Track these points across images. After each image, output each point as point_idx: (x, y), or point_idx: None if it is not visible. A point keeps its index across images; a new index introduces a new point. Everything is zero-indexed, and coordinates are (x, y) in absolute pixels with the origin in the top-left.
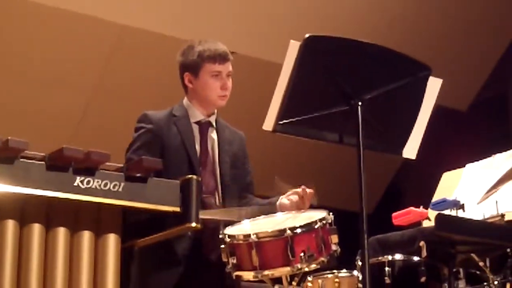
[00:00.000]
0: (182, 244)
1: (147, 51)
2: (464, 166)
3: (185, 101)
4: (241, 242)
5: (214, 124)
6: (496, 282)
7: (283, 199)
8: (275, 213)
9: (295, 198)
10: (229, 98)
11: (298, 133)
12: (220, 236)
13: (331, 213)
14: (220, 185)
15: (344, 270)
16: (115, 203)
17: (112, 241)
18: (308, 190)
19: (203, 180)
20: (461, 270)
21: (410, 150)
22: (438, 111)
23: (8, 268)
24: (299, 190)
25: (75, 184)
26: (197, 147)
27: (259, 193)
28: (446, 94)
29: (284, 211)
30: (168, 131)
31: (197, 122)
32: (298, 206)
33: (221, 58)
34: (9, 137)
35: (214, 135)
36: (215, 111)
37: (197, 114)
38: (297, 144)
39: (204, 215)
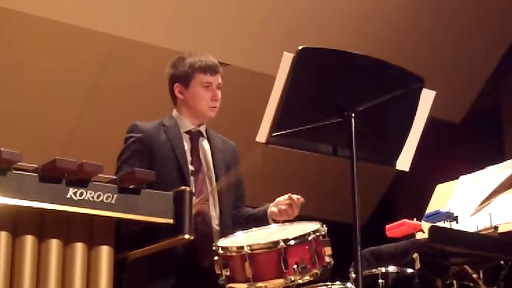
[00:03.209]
0: (175, 252)
1: (139, 63)
2: (458, 178)
3: (175, 112)
4: (234, 254)
5: (204, 134)
6: None
7: (272, 208)
8: (266, 221)
9: (283, 206)
10: (222, 109)
11: (291, 145)
12: (213, 248)
13: (324, 225)
14: (216, 192)
15: (338, 282)
16: (108, 215)
17: (105, 253)
18: (295, 197)
19: (195, 187)
20: (454, 282)
21: (404, 162)
22: (431, 123)
23: (1, 280)
24: (285, 197)
25: (68, 195)
26: (188, 155)
27: (251, 204)
28: (440, 106)
29: (274, 219)
30: (157, 139)
31: (188, 132)
32: (287, 214)
33: (212, 69)
34: (2, 149)
35: (206, 144)
36: (204, 122)
37: (187, 124)
38: (290, 156)
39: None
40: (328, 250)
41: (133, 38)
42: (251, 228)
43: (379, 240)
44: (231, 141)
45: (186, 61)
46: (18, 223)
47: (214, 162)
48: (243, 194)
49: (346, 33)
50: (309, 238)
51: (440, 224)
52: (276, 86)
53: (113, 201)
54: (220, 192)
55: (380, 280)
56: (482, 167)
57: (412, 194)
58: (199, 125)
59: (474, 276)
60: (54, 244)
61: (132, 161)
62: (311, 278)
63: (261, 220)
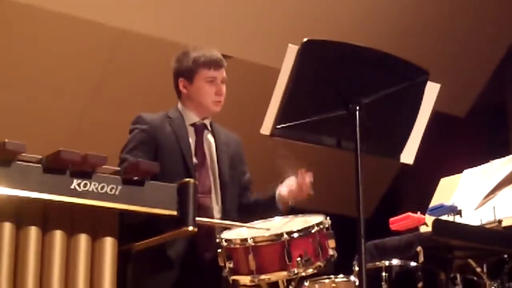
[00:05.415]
0: (177, 245)
1: (145, 56)
2: (462, 172)
3: (179, 105)
4: (238, 246)
5: (209, 127)
6: None
7: (282, 188)
8: (274, 206)
9: (293, 186)
10: (226, 102)
11: (295, 138)
12: (217, 240)
13: (328, 218)
14: (219, 185)
15: (341, 275)
16: (112, 206)
17: (108, 244)
18: (306, 177)
19: (199, 179)
20: (458, 275)
21: (408, 155)
22: (436, 117)
23: (5, 271)
24: (294, 178)
25: (72, 187)
26: (193, 147)
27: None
28: (445, 100)
29: (283, 198)
30: (162, 131)
31: (192, 125)
32: (296, 194)
33: (216, 64)
34: (6, 140)
35: (210, 137)
36: (209, 116)
37: (192, 117)
38: (294, 148)
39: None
40: (331, 243)
41: (138, 31)
42: (257, 216)
43: (383, 233)
44: (235, 134)
45: (190, 56)
46: (22, 214)
47: (218, 155)
48: (248, 182)
49: (349, 26)
50: (313, 231)
51: (444, 217)
52: (281, 78)
53: (117, 193)
54: (225, 183)
55: (383, 273)
56: (486, 161)
57: (416, 187)
58: (204, 119)
59: (478, 269)
60: (58, 235)
61: (137, 151)
62: (315, 271)
63: (270, 206)
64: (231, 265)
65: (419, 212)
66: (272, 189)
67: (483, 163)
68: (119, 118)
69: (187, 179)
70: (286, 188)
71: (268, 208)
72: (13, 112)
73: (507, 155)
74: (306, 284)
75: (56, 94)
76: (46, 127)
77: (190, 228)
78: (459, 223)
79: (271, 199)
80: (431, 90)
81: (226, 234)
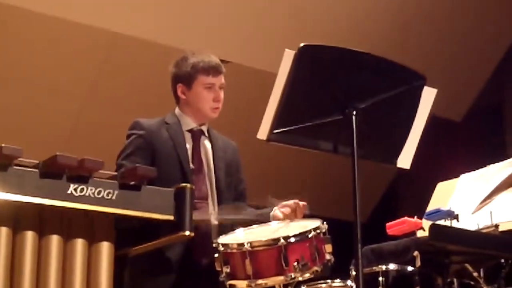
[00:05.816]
0: (173, 250)
1: (139, 59)
2: (459, 176)
3: (177, 110)
4: (235, 251)
5: (206, 133)
6: None
7: (276, 212)
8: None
9: (287, 211)
10: (223, 107)
11: (292, 142)
12: (214, 245)
13: (325, 222)
14: (215, 191)
15: (338, 280)
16: (109, 211)
17: (105, 249)
18: (300, 203)
19: (195, 185)
20: (455, 280)
21: (404, 160)
22: (432, 121)
23: (1, 275)
24: (291, 202)
25: (69, 191)
26: (190, 153)
27: (250, 202)
28: (441, 104)
29: (277, 218)
30: (159, 137)
31: (189, 130)
32: (290, 217)
33: (214, 70)
34: (2, 144)
35: (207, 143)
36: (206, 122)
37: (189, 123)
38: (291, 153)
39: (199, 217)
40: (328, 248)
41: (133, 34)
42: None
43: (380, 237)
44: (232, 141)
45: (188, 61)
46: (18, 219)
47: (214, 161)
48: (244, 192)
49: (346, 30)
50: (310, 235)
51: (441, 222)
52: (277, 83)
53: (113, 197)
54: (220, 190)
55: (380, 278)
56: (483, 165)
57: (413, 192)
58: (201, 125)
59: (475, 274)
60: (54, 240)
61: (134, 157)
62: (312, 276)
63: (261, 222)
64: (228, 270)
65: (416, 217)
66: (267, 210)
67: (480, 168)
68: (115, 119)
69: (184, 184)
70: (280, 214)
71: (259, 223)
72: (9, 112)
73: (504, 159)
74: None
75: (52, 94)
76: (42, 127)
77: (187, 232)
78: (456, 228)
79: (264, 216)
80: (428, 95)
81: (223, 239)
